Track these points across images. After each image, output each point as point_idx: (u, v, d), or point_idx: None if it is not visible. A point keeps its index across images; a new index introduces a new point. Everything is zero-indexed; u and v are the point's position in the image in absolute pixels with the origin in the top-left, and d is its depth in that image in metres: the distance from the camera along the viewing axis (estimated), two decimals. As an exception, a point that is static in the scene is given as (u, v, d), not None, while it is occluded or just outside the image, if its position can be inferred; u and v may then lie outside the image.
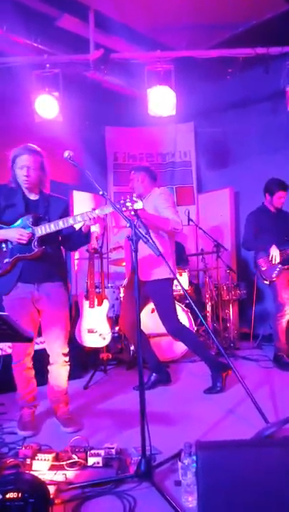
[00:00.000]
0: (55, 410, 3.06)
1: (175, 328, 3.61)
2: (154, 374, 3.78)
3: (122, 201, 2.53)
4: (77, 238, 2.96)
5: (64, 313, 2.97)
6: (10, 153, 2.85)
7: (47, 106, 4.54)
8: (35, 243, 2.75)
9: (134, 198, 2.52)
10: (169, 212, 3.55)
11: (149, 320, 4.54)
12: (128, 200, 2.52)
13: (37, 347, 3.10)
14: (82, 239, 2.95)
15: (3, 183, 2.90)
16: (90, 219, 2.73)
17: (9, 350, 3.26)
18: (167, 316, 3.60)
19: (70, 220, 2.74)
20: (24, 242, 2.73)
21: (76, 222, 2.75)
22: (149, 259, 3.38)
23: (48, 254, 2.83)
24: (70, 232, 2.93)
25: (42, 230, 2.75)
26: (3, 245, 2.80)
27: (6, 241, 2.79)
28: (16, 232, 2.73)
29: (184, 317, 4.59)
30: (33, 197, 2.92)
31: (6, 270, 2.78)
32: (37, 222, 2.79)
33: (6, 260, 2.77)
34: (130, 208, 2.50)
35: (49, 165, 2.94)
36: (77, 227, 2.90)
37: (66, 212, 2.98)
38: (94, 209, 2.74)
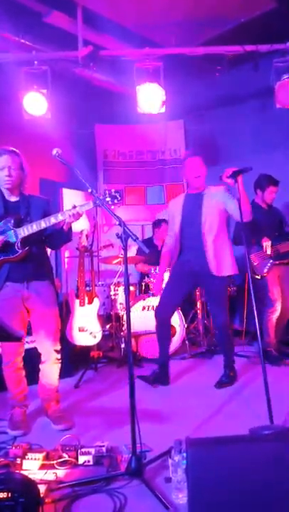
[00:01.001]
0: (46, 408, 3.06)
1: (226, 321, 3.70)
2: (157, 370, 3.81)
3: (101, 197, 2.55)
4: (59, 236, 2.95)
5: (54, 311, 2.99)
6: None
7: (35, 103, 4.50)
8: (19, 244, 2.75)
9: (114, 193, 2.54)
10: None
11: (141, 318, 4.55)
12: (107, 195, 2.54)
13: (27, 346, 3.09)
14: (63, 237, 2.93)
15: None
16: (70, 216, 2.73)
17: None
18: (224, 310, 3.70)
19: (52, 219, 2.73)
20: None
21: (57, 220, 2.75)
22: (221, 255, 3.62)
23: (33, 254, 2.84)
24: (53, 230, 2.91)
25: (24, 231, 2.75)
26: None
27: None
28: None
29: (175, 314, 4.59)
30: (13, 199, 2.92)
31: None
32: (19, 224, 2.78)
33: None
34: (110, 203, 2.52)
35: (27, 165, 2.92)
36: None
37: (48, 211, 2.94)
38: (74, 206, 2.74)
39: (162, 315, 3.75)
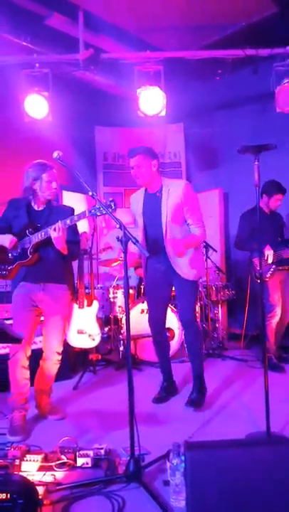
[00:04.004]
0: (38, 401, 3.22)
1: (191, 319, 3.46)
2: (164, 384, 3.64)
3: (97, 206, 2.60)
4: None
5: (65, 315, 3.20)
6: (28, 168, 3.04)
7: (36, 106, 4.50)
8: (31, 250, 2.97)
9: (109, 202, 2.54)
10: (199, 223, 3.37)
11: (139, 321, 4.55)
12: (100, 206, 2.56)
13: (35, 346, 3.21)
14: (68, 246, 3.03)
15: (14, 198, 3.13)
16: (55, 230, 2.85)
17: (2, 351, 3.58)
18: (188, 308, 3.47)
19: (48, 230, 2.89)
20: (9, 246, 2.98)
21: (54, 230, 2.86)
22: (192, 261, 3.37)
23: (48, 259, 3.04)
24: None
25: (35, 238, 2.96)
26: (9, 254, 3.04)
27: (12, 250, 3.03)
28: (7, 240, 2.98)
29: (173, 318, 4.60)
30: (39, 208, 3.12)
31: (10, 274, 3.06)
32: (36, 231, 2.98)
33: (10, 267, 3.05)
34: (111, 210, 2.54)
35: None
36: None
37: None
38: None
39: (154, 317, 3.59)
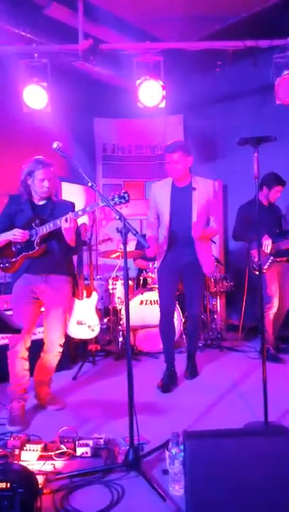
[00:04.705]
0: (38, 392, 3.24)
1: (200, 313, 3.86)
2: (167, 372, 3.71)
3: (109, 196, 2.61)
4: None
5: (66, 307, 3.23)
6: (25, 166, 3.05)
7: (35, 96, 4.47)
8: (38, 241, 2.99)
9: (123, 194, 2.56)
10: (218, 221, 3.72)
11: (138, 312, 4.57)
12: (116, 197, 2.57)
13: (35, 337, 3.22)
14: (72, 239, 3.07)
15: (15, 194, 3.13)
16: (66, 221, 2.88)
17: (2, 341, 3.57)
18: (199, 303, 3.89)
19: (58, 221, 2.91)
20: (19, 240, 2.97)
21: (64, 221, 2.88)
22: (211, 256, 3.81)
23: (54, 250, 3.07)
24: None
25: (43, 230, 2.98)
26: (13, 247, 3.05)
27: (15, 243, 3.03)
28: (11, 233, 2.98)
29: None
30: (41, 203, 3.14)
31: (14, 267, 3.07)
32: (42, 224, 3.00)
33: (14, 259, 3.05)
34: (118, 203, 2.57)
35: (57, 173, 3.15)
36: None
37: None
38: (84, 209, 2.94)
39: (167, 309, 3.71)
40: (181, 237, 3.53)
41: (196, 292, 3.73)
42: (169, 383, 3.58)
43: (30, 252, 3.00)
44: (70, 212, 2.88)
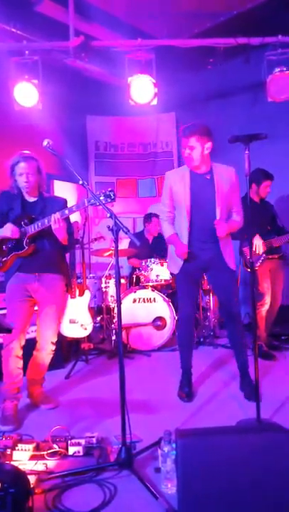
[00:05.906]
0: (31, 391, 3.23)
1: (239, 312, 3.41)
2: (187, 378, 3.40)
3: (97, 192, 2.60)
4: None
5: (60, 305, 3.23)
6: (8, 163, 3.03)
7: (26, 94, 4.45)
8: (27, 241, 2.97)
9: (108, 192, 2.55)
10: (241, 212, 3.37)
11: (131, 310, 4.57)
12: (102, 194, 2.57)
13: (29, 336, 3.20)
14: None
15: (5, 190, 3.10)
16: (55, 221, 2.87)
17: None
18: (236, 301, 3.39)
19: (45, 221, 2.90)
20: (9, 235, 2.94)
21: (52, 220, 2.87)
22: (231, 248, 3.35)
23: (44, 249, 3.05)
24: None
25: (31, 229, 2.96)
26: (4, 246, 3.04)
27: (6, 242, 3.02)
28: (9, 229, 2.95)
29: (165, 307, 4.62)
30: (31, 199, 3.11)
31: (5, 266, 3.05)
32: (31, 223, 2.98)
33: (4, 259, 3.04)
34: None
35: (44, 167, 3.11)
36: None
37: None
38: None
39: (188, 314, 3.39)
40: (204, 230, 3.21)
41: (229, 290, 3.31)
42: (189, 391, 3.29)
43: (20, 252, 2.99)
44: (57, 213, 2.86)
